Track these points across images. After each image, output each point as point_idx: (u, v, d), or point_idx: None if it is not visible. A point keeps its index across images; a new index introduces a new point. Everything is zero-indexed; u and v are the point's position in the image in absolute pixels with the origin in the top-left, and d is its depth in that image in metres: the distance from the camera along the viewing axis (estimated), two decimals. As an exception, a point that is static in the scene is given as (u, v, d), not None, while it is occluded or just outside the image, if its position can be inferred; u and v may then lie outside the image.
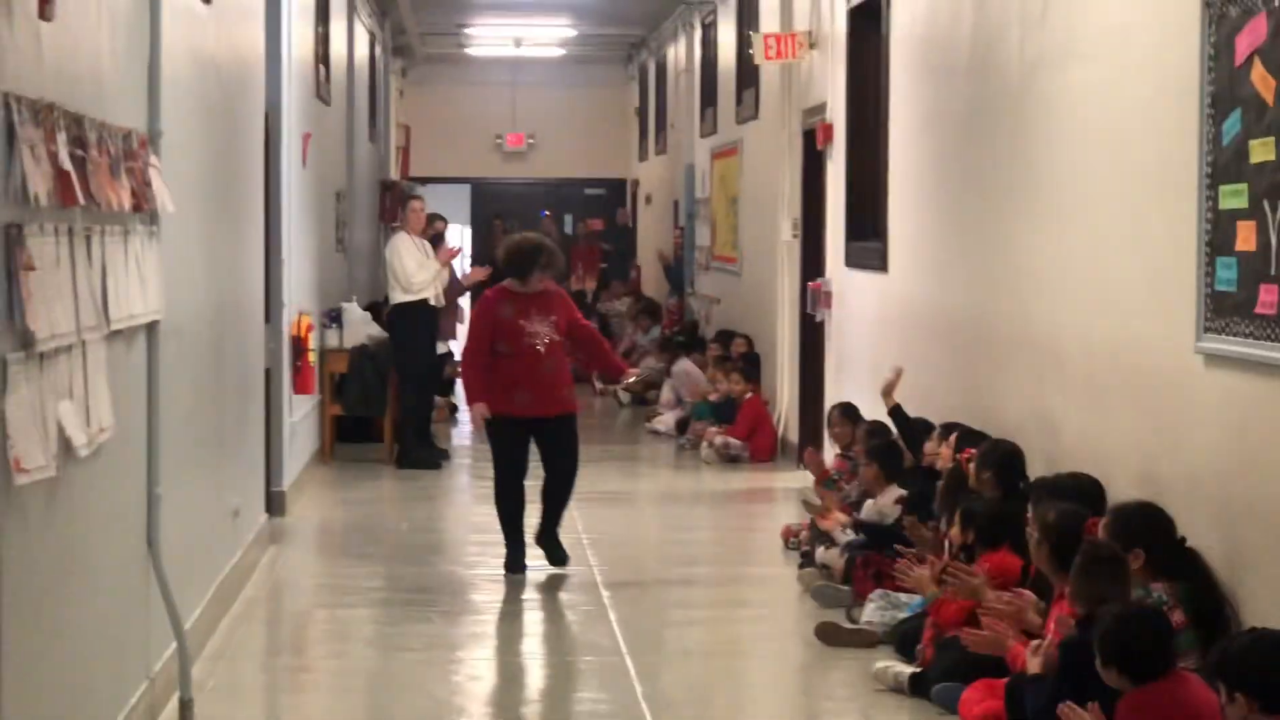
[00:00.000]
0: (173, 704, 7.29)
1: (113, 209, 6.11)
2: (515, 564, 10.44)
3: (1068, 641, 6.32)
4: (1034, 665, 6.46)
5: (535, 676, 8.47)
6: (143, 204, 6.60)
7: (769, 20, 15.88)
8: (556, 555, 10.58)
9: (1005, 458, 8.57)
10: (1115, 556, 6.47)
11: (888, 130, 11.94)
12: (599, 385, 20.93)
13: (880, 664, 7.89)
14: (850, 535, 9.72)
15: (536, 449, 10.54)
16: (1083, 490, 7.49)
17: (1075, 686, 6.01)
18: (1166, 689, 5.67)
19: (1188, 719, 5.59)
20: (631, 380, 11.21)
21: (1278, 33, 6.08)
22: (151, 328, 7.11)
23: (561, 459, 10.58)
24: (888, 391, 10.25)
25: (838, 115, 13.51)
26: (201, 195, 8.60)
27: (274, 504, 11.76)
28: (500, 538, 10.59)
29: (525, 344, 10.32)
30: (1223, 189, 6.54)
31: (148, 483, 7.16)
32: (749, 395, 15.41)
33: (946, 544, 8.35)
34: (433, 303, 15.07)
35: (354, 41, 19.18)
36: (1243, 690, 5.17)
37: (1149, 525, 6.77)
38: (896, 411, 10.20)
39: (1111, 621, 5.82)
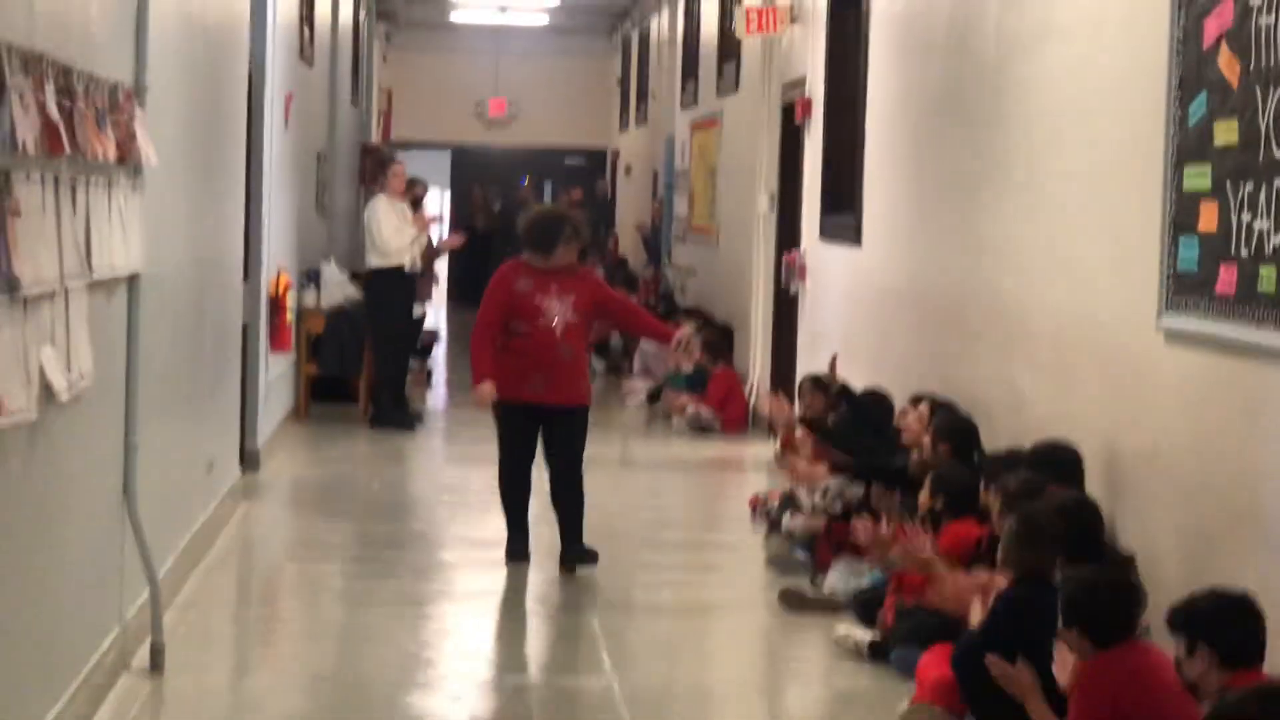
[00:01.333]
0: (144, 649, 7.35)
1: (98, 159, 6.18)
2: (517, 552, 9.63)
3: (999, 599, 6.46)
4: (975, 618, 6.63)
5: (502, 632, 8.54)
6: (127, 156, 6.66)
7: (751, -7, 15.97)
8: (588, 555, 9.52)
9: (962, 431, 8.70)
10: (1053, 526, 6.59)
11: (865, 106, 12.03)
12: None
13: (841, 630, 8.01)
14: (820, 498, 9.77)
15: (542, 439, 9.68)
16: (1062, 461, 7.53)
17: (1005, 643, 6.18)
18: (1128, 655, 5.78)
19: (1147, 685, 5.71)
20: (687, 342, 9.93)
21: (1245, 16, 6.16)
22: (133, 280, 7.17)
23: (568, 455, 9.64)
24: (829, 378, 10.37)
25: (816, 90, 13.60)
26: (184, 150, 8.67)
27: (248, 459, 11.84)
28: (468, 499, 10.66)
29: (541, 324, 9.47)
30: (1187, 170, 6.63)
31: (125, 432, 7.23)
32: (721, 367, 15.51)
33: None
34: (408, 269, 15.06)
35: (338, 4, 19.21)
36: (1205, 643, 5.29)
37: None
38: (845, 392, 10.33)
39: (1079, 584, 5.92)
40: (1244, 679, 5.13)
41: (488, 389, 9.48)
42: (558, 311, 9.50)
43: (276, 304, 12.84)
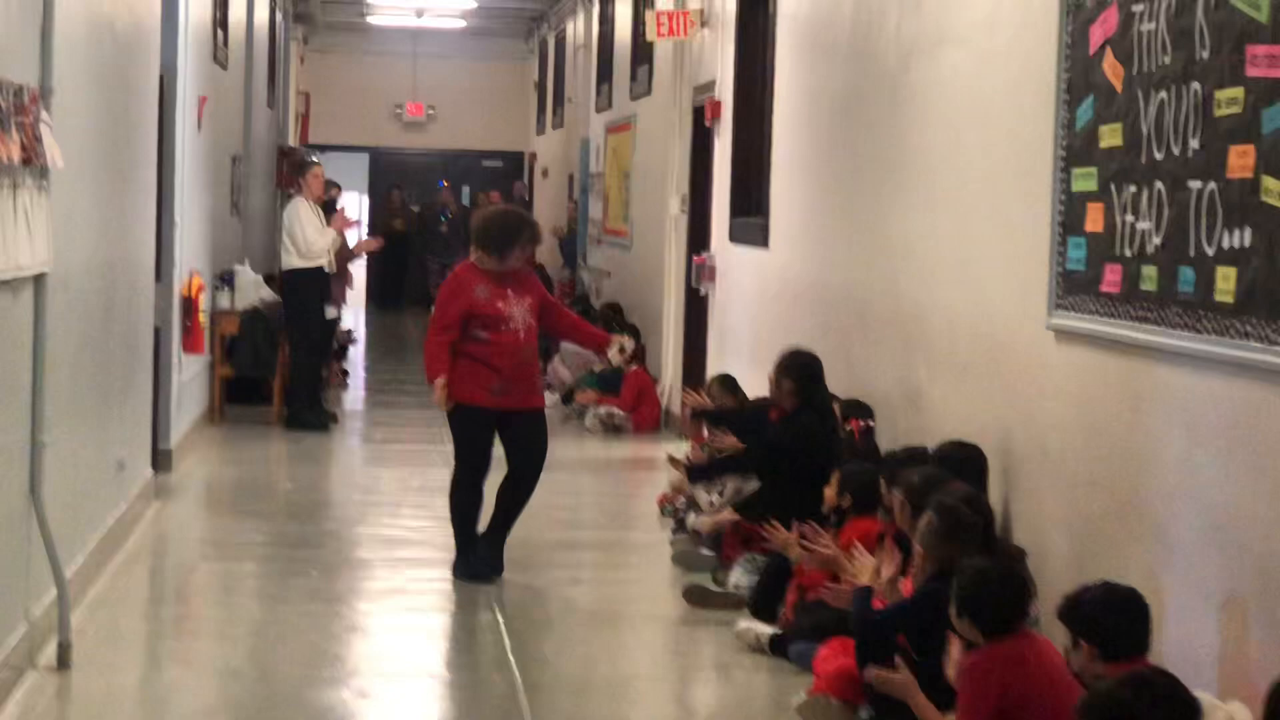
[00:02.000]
0: (51, 647, 7.36)
1: (3, 161, 6.21)
2: (466, 569, 9.32)
3: (921, 592, 6.59)
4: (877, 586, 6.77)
5: (411, 631, 8.57)
6: (33, 158, 6.69)
7: (663, -2, 16.08)
8: (497, 563, 9.40)
9: (805, 367, 8.85)
10: (969, 518, 6.72)
11: (772, 108, 12.16)
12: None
13: (742, 624, 8.12)
14: (717, 497, 9.88)
15: (501, 444, 9.46)
16: (966, 459, 7.62)
17: (919, 633, 6.33)
18: (1017, 645, 5.91)
19: (1035, 674, 5.83)
20: (617, 349, 9.81)
21: (1128, 24, 6.31)
22: (39, 279, 7.18)
23: (531, 456, 9.47)
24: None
25: (726, 92, 13.72)
26: (93, 153, 8.68)
27: (160, 460, 11.82)
28: (380, 499, 10.67)
29: (505, 330, 9.22)
30: (1075, 171, 6.78)
31: (31, 430, 7.24)
32: (633, 367, 15.59)
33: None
34: (327, 269, 15.13)
35: (254, 6, 19.16)
36: (1087, 638, 5.43)
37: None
38: (707, 413, 10.40)
39: (973, 575, 6.04)
40: (1122, 668, 5.27)
41: (442, 383, 9.19)
42: (518, 316, 9.26)
43: (190, 305, 12.83)
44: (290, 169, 18.40)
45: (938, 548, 6.59)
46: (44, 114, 7.00)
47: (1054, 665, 5.82)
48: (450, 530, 9.43)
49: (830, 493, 8.26)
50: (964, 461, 7.55)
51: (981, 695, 5.81)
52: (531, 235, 9.56)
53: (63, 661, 7.33)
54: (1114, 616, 5.45)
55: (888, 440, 8.77)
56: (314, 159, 17.12)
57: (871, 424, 9.00)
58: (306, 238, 14.77)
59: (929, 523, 6.60)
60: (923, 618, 6.45)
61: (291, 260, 14.93)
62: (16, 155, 6.41)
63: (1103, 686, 4.98)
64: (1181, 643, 5.84)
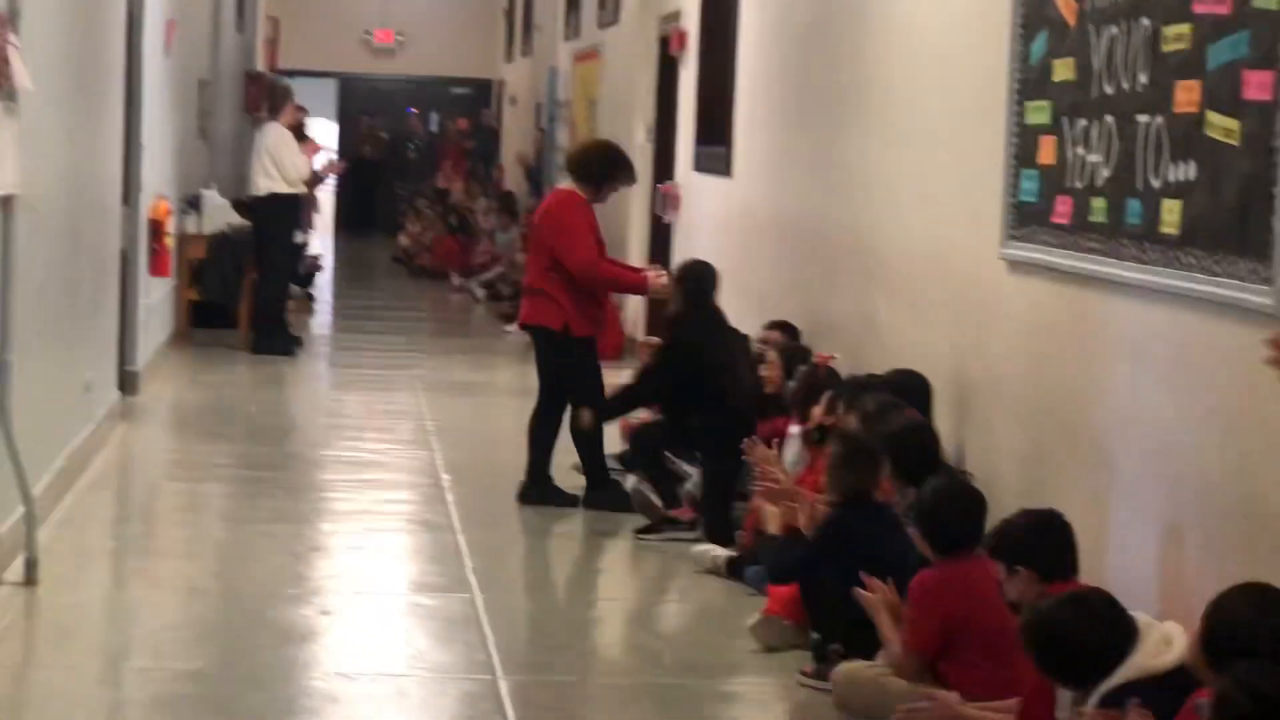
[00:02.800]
0: (18, 563, 7.43)
1: (-30, 84, 6.26)
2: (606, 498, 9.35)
3: (824, 521, 6.73)
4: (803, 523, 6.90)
5: (372, 549, 8.67)
6: (1, 81, 6.75)
7: (631, -74, 16.09)
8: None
9: (696, 277, 9.02)
10: (870, 450, 6.85)
11: (737, 39, 12.20)
12: (457, 281, 21.17)
13: (700, 548, 8.24)
14: None
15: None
16: (911, 387, 7.74)
17: (830, 560, 6.50)
18: (963, 568, 6.02)
19: (981, 596, 5.96)
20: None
21: (1081, -40, 6.40)
22: (6, 201, 7.22)
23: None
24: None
25: (691, 23, 13.76)
26: (61, 76, 8.69)
27: (127, 382, 11.85)
28: (344, 422, 10.66)
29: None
30: (1028, 105, 6.86)
31: (-2, 349, 7.30)
32: (598, 295, 15.60)
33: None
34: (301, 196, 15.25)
35: (223, -70, 19.13)
36: (1023, 564, 5.55)
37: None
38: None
39: (929, 493, 6.15)
40: (1060, 590, 5.40)
41: (657, 274, 9.51)
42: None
43: (157, 229, 12.85)
44: (264, 94, 18.38)
45: (836, 475, 6.75)
46: (12, 36, 7.02)
47: (996, 590, 5.96)
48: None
49: (818, 411, 8.17)
50: (909, 389, 7.66)
51: (927, 615, 5.94)
52: (629, 176, 9.80)
53: (30, 578, 7.39)
54: (1043, 538, 5.58)
55: (846, 369, 8.86)
56: (286, 83, 17.12)
57: (835, 357, 9.04)
58: (288, 162, 14.80)
59: (833, 452, 6.75)
60: (829, 549, 6.60)
61: (274, 185, 14.89)
62: (-15, 78, 6.44)
63: (1044, 605, 5.11)
64: (1123, 567, 5.97)
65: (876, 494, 6.78)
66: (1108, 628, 4.96)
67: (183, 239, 14.68)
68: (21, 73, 7.04)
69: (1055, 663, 5.04)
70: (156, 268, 12.97)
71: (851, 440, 6.85)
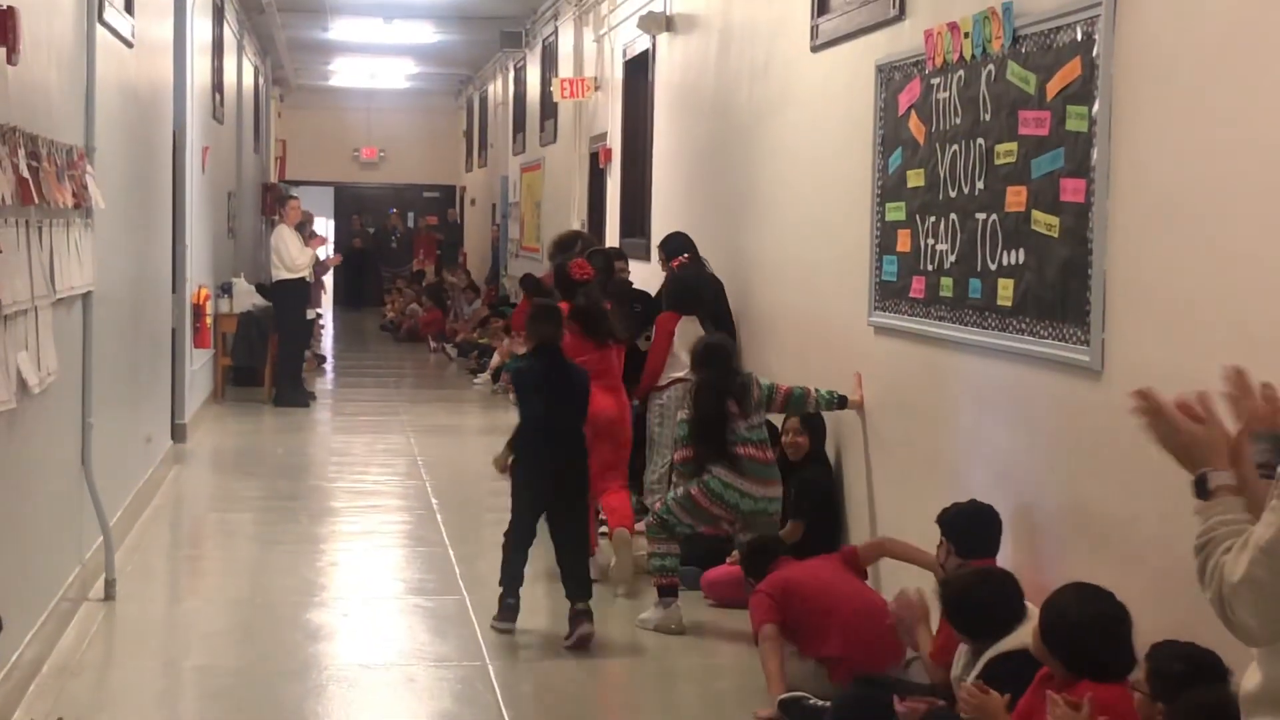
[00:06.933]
0: (100, 583, 7.37)
1: (59, 206, 6.18)
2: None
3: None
4: None
5: (378, 561, 8.62)
6: (81, 202, 6.67)
7: (565, 67, 16.09)
8: None
9: (603, 254, 9.29)
10: (555, 308, 7.21)
11: (652, 153, 12.21)
12: (433, 345, 21.07)
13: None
14: None
15: None
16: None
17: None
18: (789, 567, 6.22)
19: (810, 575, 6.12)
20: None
21: (927, 93, 6.41)
22: (86, 296, 7.17)
23: None
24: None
25: (615, 141, 13.76)
26: (125, 194, 8.63)
27: (177, 433, 11.77)
28: (352, 460, 10.46)
29: None
30: (888, 205, 6.87)
31: (82, 414, 7.23)
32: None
33: None
34: (308, 279, 15.19)
35: (242, 74, 19.04)
36: (948, 539, 5.55)
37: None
38: None
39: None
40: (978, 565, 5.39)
41: None
42: None
43: (198, 311, 12.76)
44: (274, 200, 18.24)
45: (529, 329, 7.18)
46: (89, 167, 6.97)
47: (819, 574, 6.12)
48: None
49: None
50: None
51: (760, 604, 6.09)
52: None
53: (109, 595, 7.34)
54: (969, 523, 5.56)
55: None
56: (292, 193, 17.06)
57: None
58: (292, 255, 14.76)
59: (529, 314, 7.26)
60: None
61: (280, 273, 14.87)
62: (70, 201, 6.38)
63: (959, 575, 5.11)
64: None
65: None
66: (1005, 598, 4.95)
67: (218, 317, 14.56)
68: (97, 194, 6.98)
69: (962, 620, 5.01)
70: (199, 341, 12.86)
71: (540, 305, 7.30)
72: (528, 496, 7.03)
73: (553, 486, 6.96)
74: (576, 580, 6.91)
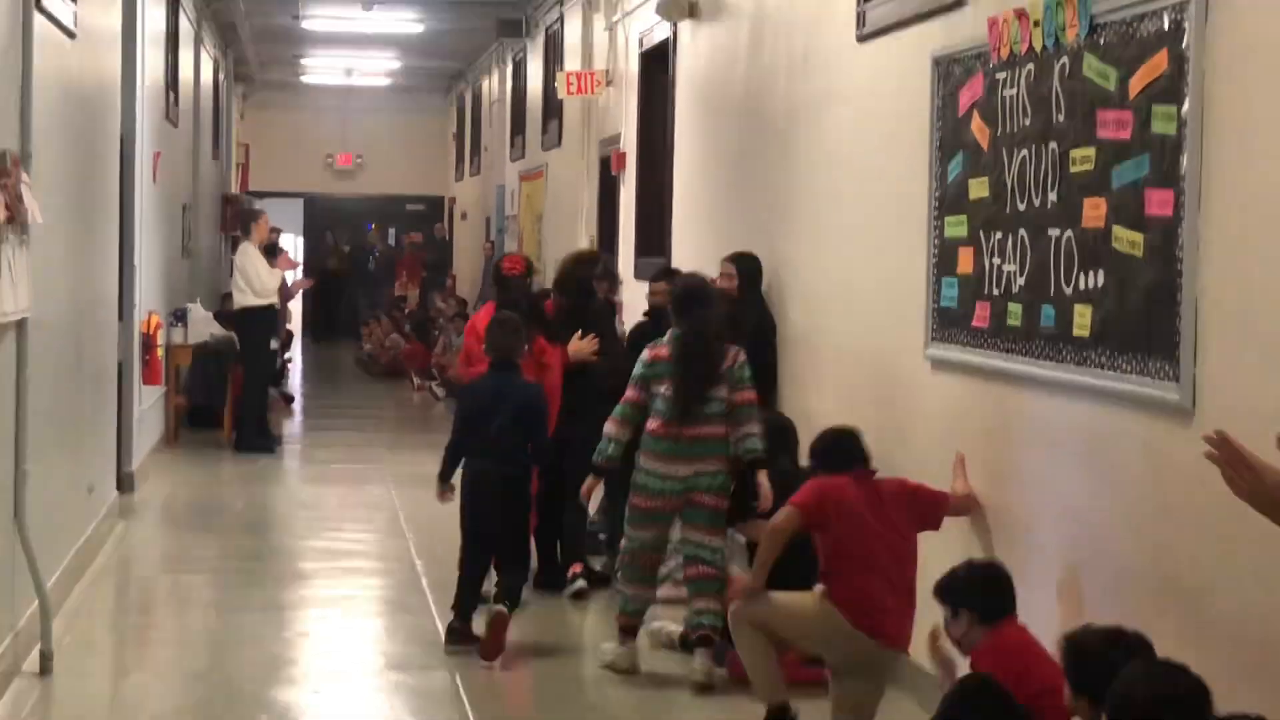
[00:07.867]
0: (34, 655, 7.36)
1: (-10, 220, 6.24)
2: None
3: None
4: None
5: (355, 633, 8.61)
6: (15, 216, 6.71)
7: (571, 59, 16.17)
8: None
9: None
10: (515, 321, 7.92)
11: (673, 159, 12.24)
12: (417, 381, 21.11)
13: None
14: None
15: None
16: (780, 428, 8.06)
17: None
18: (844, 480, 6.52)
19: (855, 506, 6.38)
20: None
21: (992, 90, 6.44)
22: (21, 324, 7.19)
23: None
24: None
25: (630, 145, 13.81)
26: (65, 208, 8.67)
27: (124, 482, 11.79)
28: (324, 514, 10.52)
29: None
30: (947, 220, 6.89)
31: (15, 461, 7.23)
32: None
33: None
34: (275, 306, 15.27)
35: (200, 69, 19.16)
36: (967, 608, 5.53)
37: None
38: None
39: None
40: (1001, 631, 5.39)
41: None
42: None
43: (148, 341, 12.81)
44: (236, 215, 18.35)
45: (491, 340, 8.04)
46: (24, 175, 7.00)
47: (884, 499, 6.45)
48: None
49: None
50: (779, 430, 7.99)
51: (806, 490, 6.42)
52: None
53: (45, 669, 7.33)
54: (986, 586, 5.56)
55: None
56: (258, 207, 17.14)
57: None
58: (262, 278, 14.81)
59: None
60: None
61: (246, 299, 14.90)
62: (2, 214, 6.41)
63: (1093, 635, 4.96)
64: (1035, 630, 5.95)
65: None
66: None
67: (170, 349, 14.61)
68: (34, 207, 7.02)
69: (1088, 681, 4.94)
70: (149, 376, 12.92)
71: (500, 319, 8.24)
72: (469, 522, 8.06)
73: (498, 507, 7.92)
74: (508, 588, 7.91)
